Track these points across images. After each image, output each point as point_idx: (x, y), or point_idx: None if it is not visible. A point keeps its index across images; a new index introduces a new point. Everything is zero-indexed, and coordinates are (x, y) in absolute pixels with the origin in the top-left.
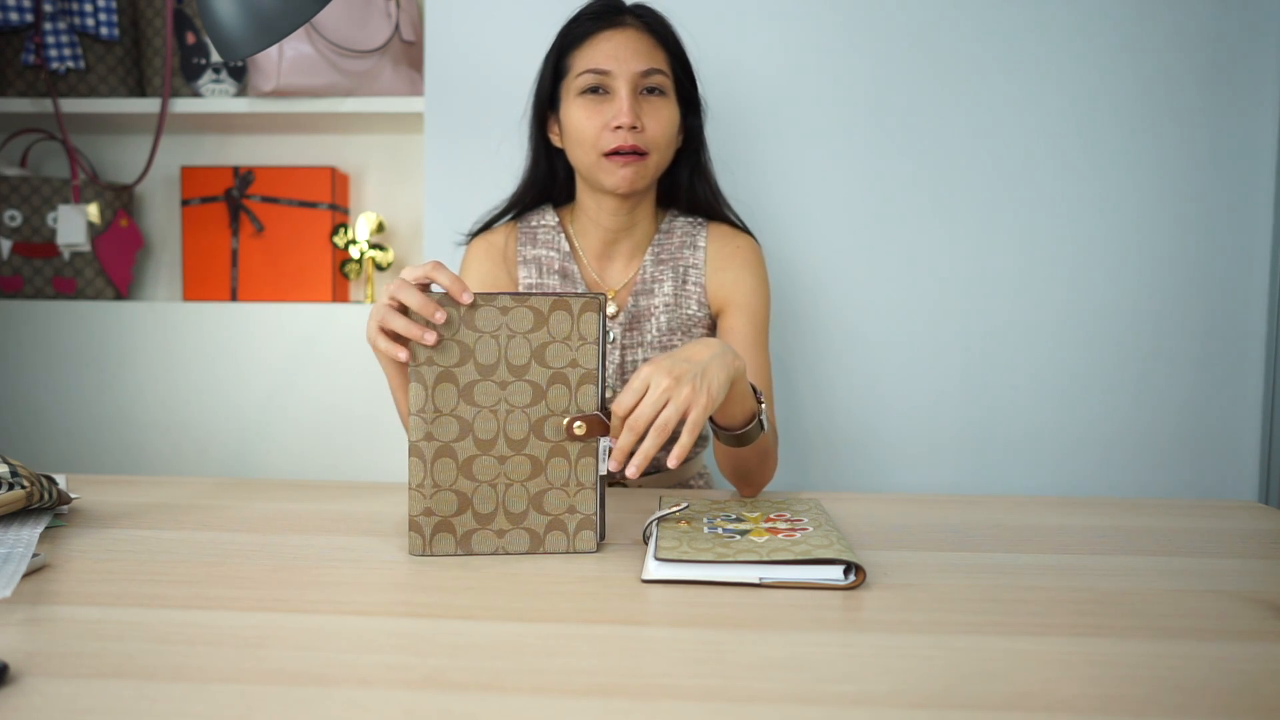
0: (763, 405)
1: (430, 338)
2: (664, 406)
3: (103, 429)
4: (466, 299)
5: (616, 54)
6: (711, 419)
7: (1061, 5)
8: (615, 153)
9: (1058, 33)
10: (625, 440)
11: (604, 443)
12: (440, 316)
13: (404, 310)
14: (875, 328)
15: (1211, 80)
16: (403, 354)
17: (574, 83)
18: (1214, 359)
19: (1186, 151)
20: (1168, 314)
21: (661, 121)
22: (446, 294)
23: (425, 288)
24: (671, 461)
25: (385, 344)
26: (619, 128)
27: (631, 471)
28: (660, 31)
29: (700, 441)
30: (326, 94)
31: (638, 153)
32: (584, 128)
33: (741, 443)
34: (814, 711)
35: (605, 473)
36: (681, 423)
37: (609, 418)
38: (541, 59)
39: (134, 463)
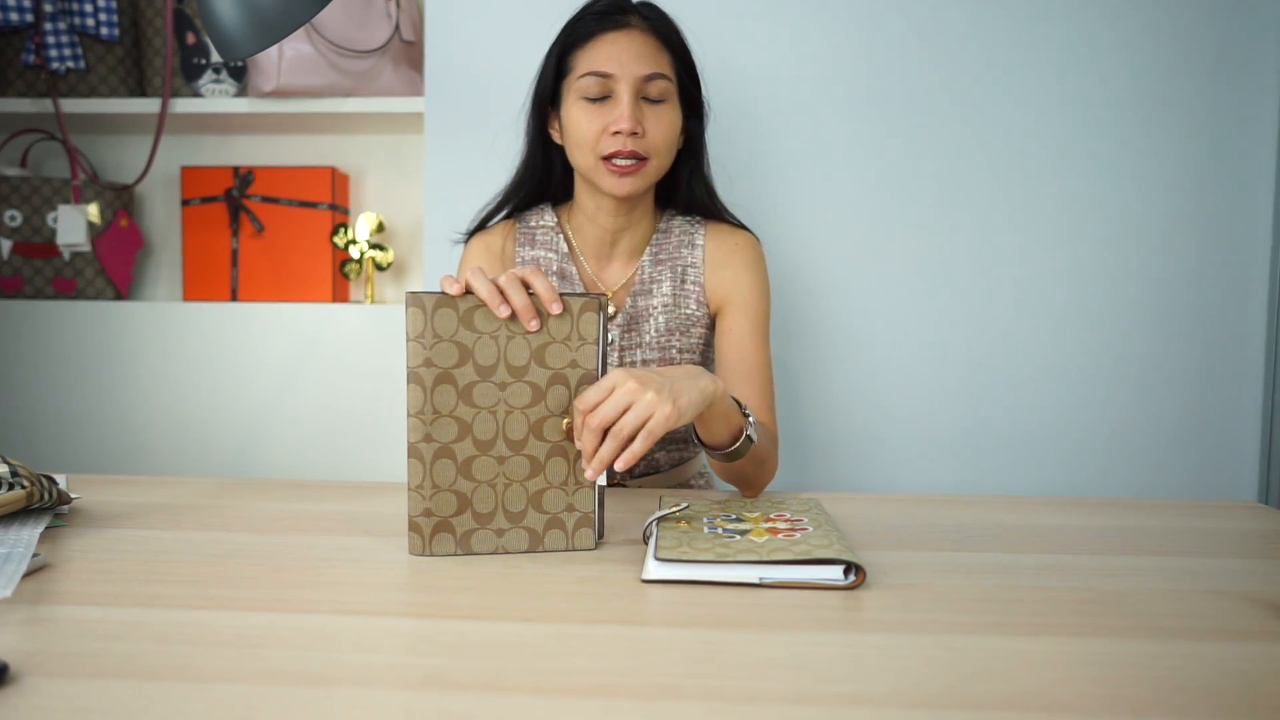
0: (750, 421)
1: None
2: (626, 411)
3: (103, 429)
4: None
5: (620, 57)
6: (699, 438)
7: (1062, 7)
8: (615, 157)
9: (1058, 35)
10: (588, 443)
11: None
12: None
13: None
14: (875, 328)
15: (1211, 80)
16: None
17: (576, 84)
18: (1214, 359)
19: (1186, 151)
20: (1168, 314)
21: (663, 126)
22: (536, 295)
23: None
24: (619, 465)
25: (488, 290)
26: (619, 133)
27: (590, 474)
28: (665, 33)
29: (693, 444)
30: (326, 94)
31: (637, 157)
32: (584, 130)
33: (730, 459)
34: (814, 711)
35: (602, 484)
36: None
37: None
38: (543, 57)
39: (134, 463)
